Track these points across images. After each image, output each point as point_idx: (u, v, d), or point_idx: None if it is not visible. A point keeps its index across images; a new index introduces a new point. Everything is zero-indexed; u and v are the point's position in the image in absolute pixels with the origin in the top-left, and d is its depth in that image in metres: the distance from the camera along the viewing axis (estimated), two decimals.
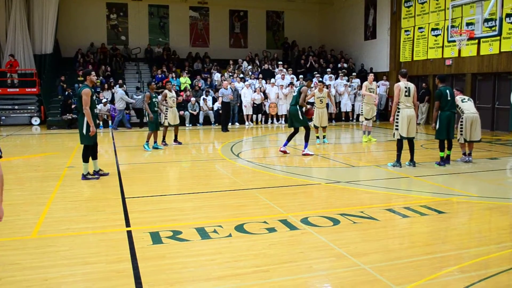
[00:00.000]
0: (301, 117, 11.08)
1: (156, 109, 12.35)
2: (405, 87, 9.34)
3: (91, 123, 8.28)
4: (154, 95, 12.29)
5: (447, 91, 9.63)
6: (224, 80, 18.99)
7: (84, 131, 8.31)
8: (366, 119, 13.71)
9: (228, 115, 18.36)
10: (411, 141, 9.61)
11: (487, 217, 6.28)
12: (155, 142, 12.68)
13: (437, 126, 9.69)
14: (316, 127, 13.60)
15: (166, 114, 13.35)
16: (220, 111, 19.37)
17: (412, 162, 9.70)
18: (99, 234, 5.45)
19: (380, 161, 10.83)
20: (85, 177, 8.49)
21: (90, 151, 8.54)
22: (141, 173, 9.79)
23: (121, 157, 11.46)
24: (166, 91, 13.49)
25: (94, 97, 8.48)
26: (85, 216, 6.19)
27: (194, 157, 12.06)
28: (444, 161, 9.75)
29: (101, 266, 4.43)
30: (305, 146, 11.26)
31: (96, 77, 8.86)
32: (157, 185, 8.27)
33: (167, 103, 13.25)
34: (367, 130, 13.96)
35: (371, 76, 14.01)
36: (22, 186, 8.19)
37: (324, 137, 13.85)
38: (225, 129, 17.38)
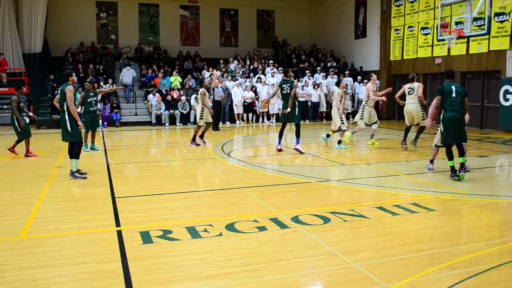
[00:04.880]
0: (297, 113, 11.12)
1: (91, 109, 11.94)
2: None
3: (77, 118, 8.38)
4: (91, 94, 11.95)
5: (452, 87, 8.18)
6: (217, 79, 18.94)
7: (69, 128, 8.30)
8: (366, 124, 12.75)
9: (219, 114, 18.32)
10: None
11: (477, 215, 6.32)
12: (92, 143, 12.35)
13: (442, 129, 8.34)
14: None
15: (202, 113, 13.07)
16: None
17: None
18: (89, 234, 5.41)
19: (370, 160, 10.87)
20: (73, 174, 8.45)
21: (78, 147, 8.52)
22: (131, 173, 9.75)
23: (111, 156, 11.39)
24: (204, 89, 13.18)
25: (77, 97, 8.51)
26: (74, 216, 6.14)
27: (185, 156, 12.02)
28: (455, 172, 8.15)
29: (91, 266, 4.40)
30: (297, 142, 11.30)
31: (76, 78, 8.87)
32: (147, 184, 8.23)
33: (203, 102, 13.04)
34: (372, 133, 13.16)
35: (374, 77, 13.25)
36: (11, 186, 8.11)
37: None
38: (216, 128, 17.35)
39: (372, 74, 13.82)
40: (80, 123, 8.43)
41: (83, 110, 11.92)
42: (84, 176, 8.57)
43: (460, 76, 17.90)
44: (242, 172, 9.46)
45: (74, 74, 8.67)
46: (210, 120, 13.31)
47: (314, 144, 13.47)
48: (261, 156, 11.70)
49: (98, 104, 18.78)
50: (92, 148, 12.28)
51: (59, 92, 8.54)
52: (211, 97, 17.68)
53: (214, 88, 17.55)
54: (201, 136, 13.38)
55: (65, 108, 8.33)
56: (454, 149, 8.18)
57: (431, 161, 9.16)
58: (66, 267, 4.39)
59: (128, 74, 21.27)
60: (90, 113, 11.91)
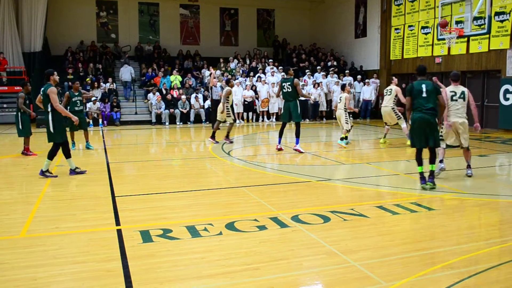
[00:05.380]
0: (299, 112, 11.10)
1: (77, 108, 11.87)
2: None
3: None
4: (76, 94, 11.89)
5: (423, 85, 7.44)
6: (214, 78, 18.92)
7: (52, 129, 8.30)
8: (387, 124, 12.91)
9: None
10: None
11: (477, 214, 6.32)
12: (86, 141, 12.29)
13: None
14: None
15: (228, 111, 13.13)
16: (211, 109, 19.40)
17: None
18: (89, 233, 5.41)
19: (370, 159, 10.87)
20: (43, 173, 8.48)
21: (64, 148, 8.54)
22: (131, 172, 9.75)
23: (111, 155, 11.39)
24: (230, 88, 13.25)
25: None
26: (74, 215, 6.14)
27: (185, 156, 12.02)
28: (423, 179, 7.49)
29: (91, 265, 4.40)
30: (297, 142, 11.26)
31: (58, 77, 8.82)
32: (147, 183, 8.23)
33: (228, 101, 13.10)
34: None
35: (395, 80, 13.03)
36: (11, 185, 8.12)
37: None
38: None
39: (394, 78, 13.41)
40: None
41: (68, 110, 11.81)
42: (54, 175, 8.57)
43: (460, 76, 17.87)
44: (242, 171, 9.46)
45: (55, 73, 8.57)
46: (224, 119, 13.43)
47: (314, 143, 13.47)
48: (261, 155, 11.69)
49: (98, 103, 19.02)
50: (87, 148, 12.22)
51: (41, 92, 8.47)
52: (210, 96, 17.71)
53: (213, 87, 17.54)
54: (227, 136, 13.55)
55: (49, 109, 8.29)
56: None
57: (440, 161, 8.42)
58: (66, 266, 4.39)
59: (126, 72, 21.31)
60: (76, 112, 11.64)
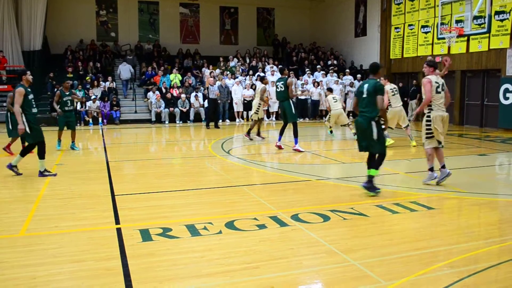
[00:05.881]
0: (293, 111, 11.07)
1: (67, 108, 11.77)
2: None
3: (19, 121, 8.16)
4: (66, 93, 11.79)
5: (365, 85, 6.86)
6: (212, 77, 18.94)
7: (28, 130, 8.23)
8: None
9: (216, 112, 18.26)
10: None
11: (476, 213, 6.32)
12: (72, 142, 11.93)
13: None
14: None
15: (258, 108, 13.20)
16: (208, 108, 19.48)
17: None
18: (88, 231, 5.40)
19: None
20: (42, 174, 8.46)
21: (39, 148, 8.48)
22: (131, 170, 9.75)
23: (111, 154, 11.38)
24: (265, 85, 13.41)
25: (31, 97, 8.43)
26: (74, 214, 6.13)
27: (184, 154, 12.01)
28: (367, 182, 6.92)
29: (90, 264, 4.40)
30: (296, 142, 11.22)
31: (32, 77, 8.69)
32: (147, 182, 8.23)
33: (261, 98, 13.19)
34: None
35: (385, 81, 12.33)
36: (10, 184, 8.11)
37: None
38: (216, 125, 17.37)
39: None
40: (21, 126, 8.13)
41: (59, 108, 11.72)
42: (53, 174, 8.57)
43: (460, 75, 17.90)
44: (241, 170, 9.45)
45: (28, 72, 8.46)
46: (262, 116, 13.53)
47: (314, 142, 13.47)
48: (261, 154, 11.69)
49: (98, 101, 19.01)
50: (72, 148, 11.86)
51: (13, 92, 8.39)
52: (207, 95, 17.76)
53: (209, 86, 17.59)
54: (258, 133, 13.62)
55: (25, 111, 8.24)
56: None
57: (430, 169, 7.64)
58: (65, 264, 4.39)
59: (125, 70, 21.34)
60: (65, 112, 11.72)
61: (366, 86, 6.85)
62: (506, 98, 15.83)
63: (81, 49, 23.07)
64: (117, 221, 5.75)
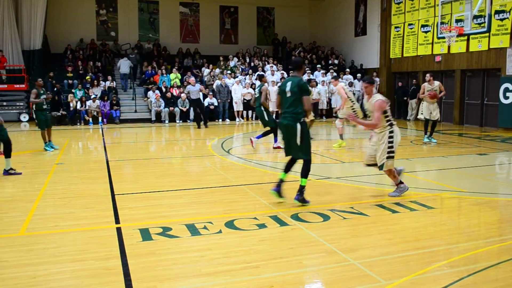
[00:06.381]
0: (266, 118, 11.26)
1: (44, 107, 11.70)
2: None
3: None
4: (41, 92, 11.63)
5: (288, 84, 6.27)
6: (210, 76, 19.02)
7: None
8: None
9: (202, 111, 18.10)
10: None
11: (476, 212, 6.32)
12: (49, 141, 11.70)
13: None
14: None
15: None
16: (211, 107, 19.47)
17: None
18: (88, 231, 5.40)
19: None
20: (7, 172, 8.53)
21: (5, 147, 8.52)
22: (131, 170, 9.74)
23: (111, 153, 11.38)
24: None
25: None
26: (74, 213, 6.13)
27: (184, 154, 12.01)
28: (278, 184, 6.43)
29: (90, 263, 4.40)
30: (275, 140, 11.47)
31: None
32: (147, 181, 8.23)
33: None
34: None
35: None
36: (10, 183, 8.11)
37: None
38: (205, 125, 17.42)
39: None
40: None
41: (34, 109, 11.62)
42: (18, 173, 8.61)
43: (460, 74, 17.89)
44: (241, 170, 9.45)
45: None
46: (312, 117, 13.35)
47: (313, 141, 13.43)
48: (260, 154, 11.68)
49: (98, 101, 18.99)
50: (52, 147, 11.66)
51: None
52: (187, 94, 17.92)
53: (189, 87, 17.71)
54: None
55: None
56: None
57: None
58: (65, 264, 4.39)
59: (125, 65, 21.37)
60: (43, 111, 11.60)
61: (289, 84, 6.23)
62: (506, 98, 15.82)
63: (81, 48, 23.07)
64: (117, 221, 5.75)
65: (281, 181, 6.44)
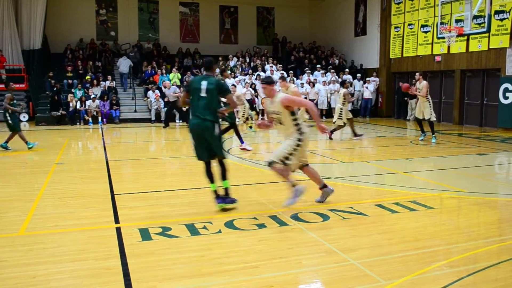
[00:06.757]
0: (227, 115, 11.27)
1: (16, 108, 11.68)
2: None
3: None
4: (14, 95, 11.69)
5: (202, 82, 5.89)
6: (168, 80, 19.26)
7: None
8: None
9: (179, 112, 18.33)
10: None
11: (476, 212, 6.32)
12: (6, 142, 11.48)
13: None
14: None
15: (341, 113, 13.10)
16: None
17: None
18: (88, 231, 5.40)
19: (370, 157, 10.87)
20: None
21: None
22: (131, 170, 9.74)
23: (111, 153, 11.38)
24: (346, 89, 13.31)
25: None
26: (73, 213, 6.13)
27: (184, 153, 12.00)
28: (218, 197, 6.15)
29: (90, 263, 4.40)
30: (242, 142, 11.66)
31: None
32: (146, 181, 8.23)
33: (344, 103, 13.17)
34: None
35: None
36: (10, 183, 8.11)
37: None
38: (166, 125, 17.63)
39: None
40: None
41: (10, 112, 11.49)
42: None
43: (460, 74, 17.89)
44: (241, 170, 9.45)
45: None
46: (350, 116, 13.42)
47: (313, 141, 13.44)
48: (260, 154, 11.68)
49: (97, 100, 18.98)
50: (5, 147, 11.42)
51: None
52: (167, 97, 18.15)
53: (166, 89, 17.85)
54: (354, 134, 13.55)
55: None
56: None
57: (323, 187, 6.63)
58: (65, 263, 4.39)
59: (124, 64, 21.35)
60: (14, 112, 11.64)
61: (205, 83, 5.86)
62: (506, 98, 15.82)
63: (81, 48, 23.06)
64: (117, 220, 5.75)
65: (216, 192, 6.15)
